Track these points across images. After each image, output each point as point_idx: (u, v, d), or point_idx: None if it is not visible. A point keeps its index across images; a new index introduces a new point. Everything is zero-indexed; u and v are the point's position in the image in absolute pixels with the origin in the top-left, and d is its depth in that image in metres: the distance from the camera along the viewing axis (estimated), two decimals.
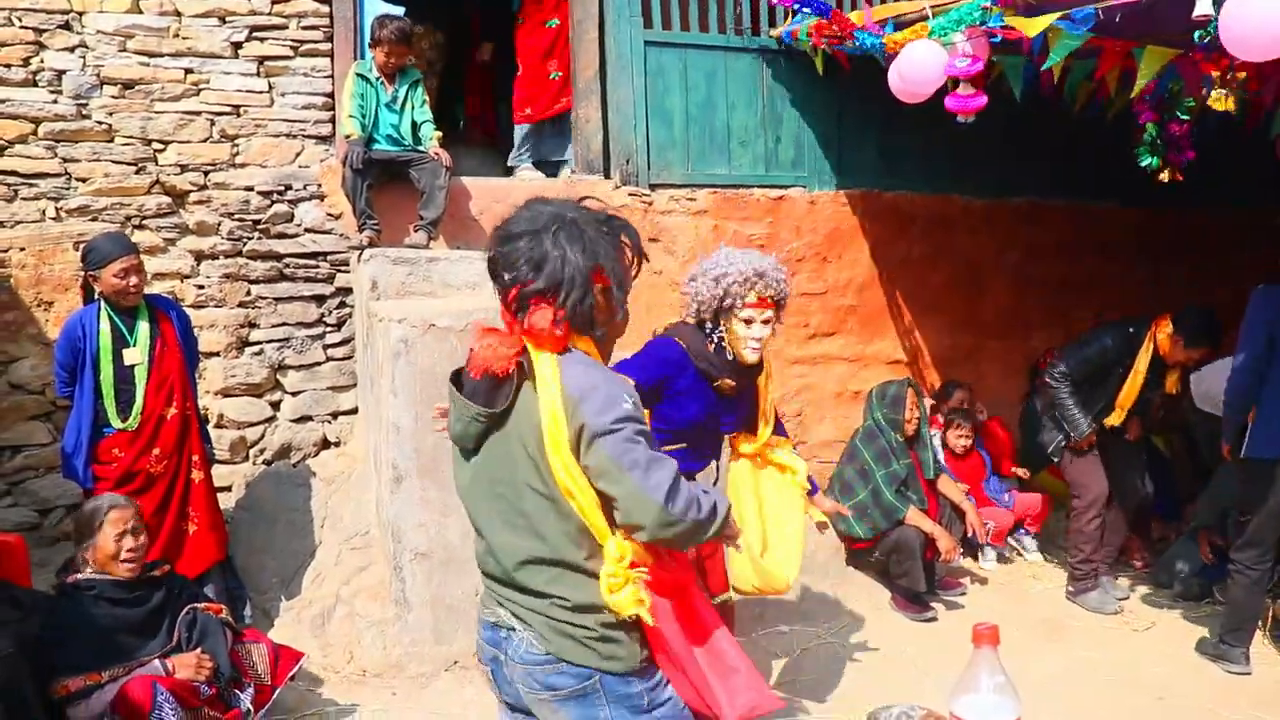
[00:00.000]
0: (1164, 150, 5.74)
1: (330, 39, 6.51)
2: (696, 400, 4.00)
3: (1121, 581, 6.46)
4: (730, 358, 4.03)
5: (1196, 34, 4.11)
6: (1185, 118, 5.53)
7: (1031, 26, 4.81)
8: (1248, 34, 3.81)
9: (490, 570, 2.57)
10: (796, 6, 6.81)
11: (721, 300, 3.96)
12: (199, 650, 4.14)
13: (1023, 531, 7.14)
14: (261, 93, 6.40)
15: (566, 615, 2.45)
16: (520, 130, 7.27)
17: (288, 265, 6.45)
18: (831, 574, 6.22)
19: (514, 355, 2.42)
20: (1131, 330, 6.04)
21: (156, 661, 4.03)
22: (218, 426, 6.27)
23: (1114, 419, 6.09)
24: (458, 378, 2.59)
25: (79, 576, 4.13)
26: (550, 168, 7.28)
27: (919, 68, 5.42)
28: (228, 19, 6.31)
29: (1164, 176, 5.87)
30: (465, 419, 2.51)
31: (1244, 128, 5.63)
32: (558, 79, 7.10)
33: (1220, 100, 4.65)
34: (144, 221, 6.19)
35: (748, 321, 3.96)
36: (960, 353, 8.06)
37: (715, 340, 4.03)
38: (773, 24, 7.31)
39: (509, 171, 7.29)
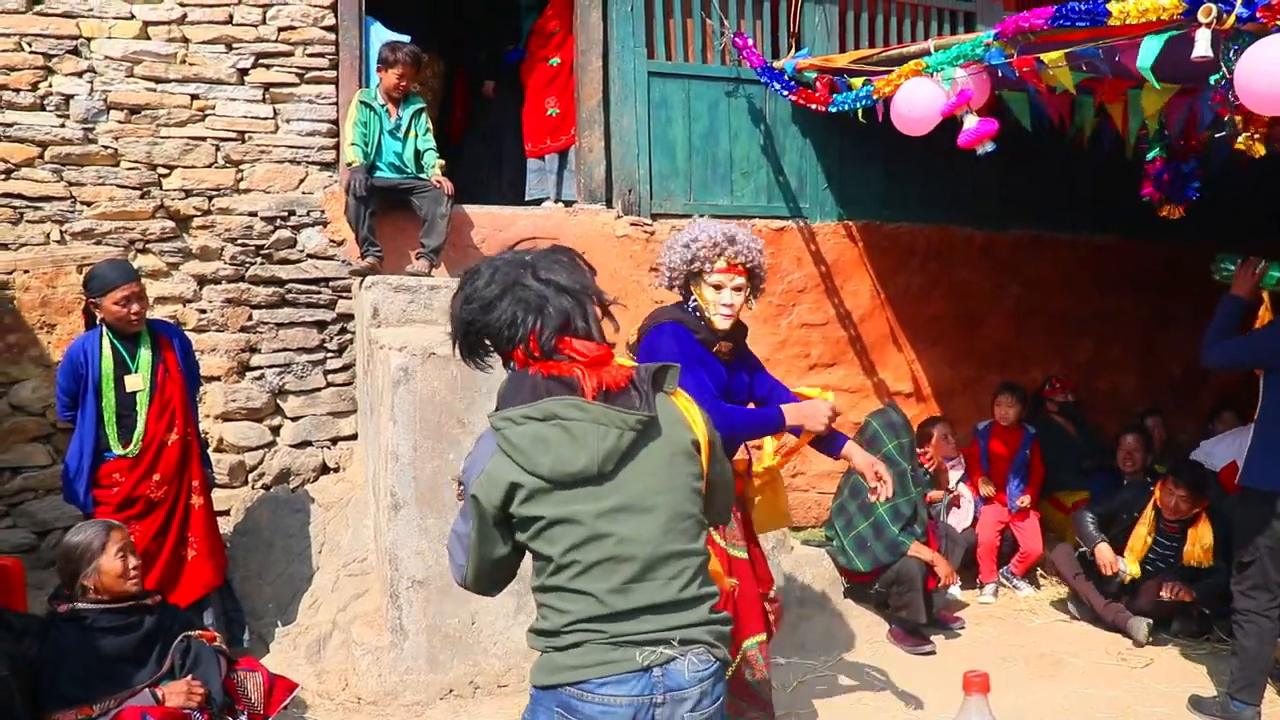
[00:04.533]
0: (1168, 187, 5.77)
1: (335, 66, 6.55)
2: (714, 372, 3.96)
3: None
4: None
5: (1212, 79, 4.12)
6: (1163, 153, 5.61)
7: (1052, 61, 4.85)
8: (1263, 89, 3.83)
9: (640, 601, 2.38)
10: (767, 81, 6.96)
11: (690, 264, 3.97)
12: (190, 677, 4.14)
13: (1010, 573, 7.15)
14: (266, 119, 6.44)
15: (717, 614, 2.49)
16: (531, 164, 7.35)
17: (290, 290, 6.48)
18: (829, 607, 6.21)
19: (624, 368, 2.48)
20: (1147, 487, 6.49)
21: (146, 691, 4.02)
22: (217, 450, 6.28)
23: (1131, 567, 6.26)
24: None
25: (70, 606, 4.13)
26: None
27: (915, 107, 5.47)
28: (234, 45, 6.35)
29: (1165, 212, 5.90)
30: (618, 432, 2.39)
31: (1241, 166, 5.66)
32: (555, 115, 7.17)
33: (1248, 144, 4.65)
34: (148, 245, 6.22)
35: (717, 287, 3.94)
36: (959, 384, 8.08)
37: (692, 309, 4.03)
38: (775, 56, 7.35)
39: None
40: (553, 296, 2.46)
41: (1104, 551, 6.27)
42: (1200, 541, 6.15)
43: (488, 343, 2.53)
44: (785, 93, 6.88)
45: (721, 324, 3.97)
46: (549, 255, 2.54)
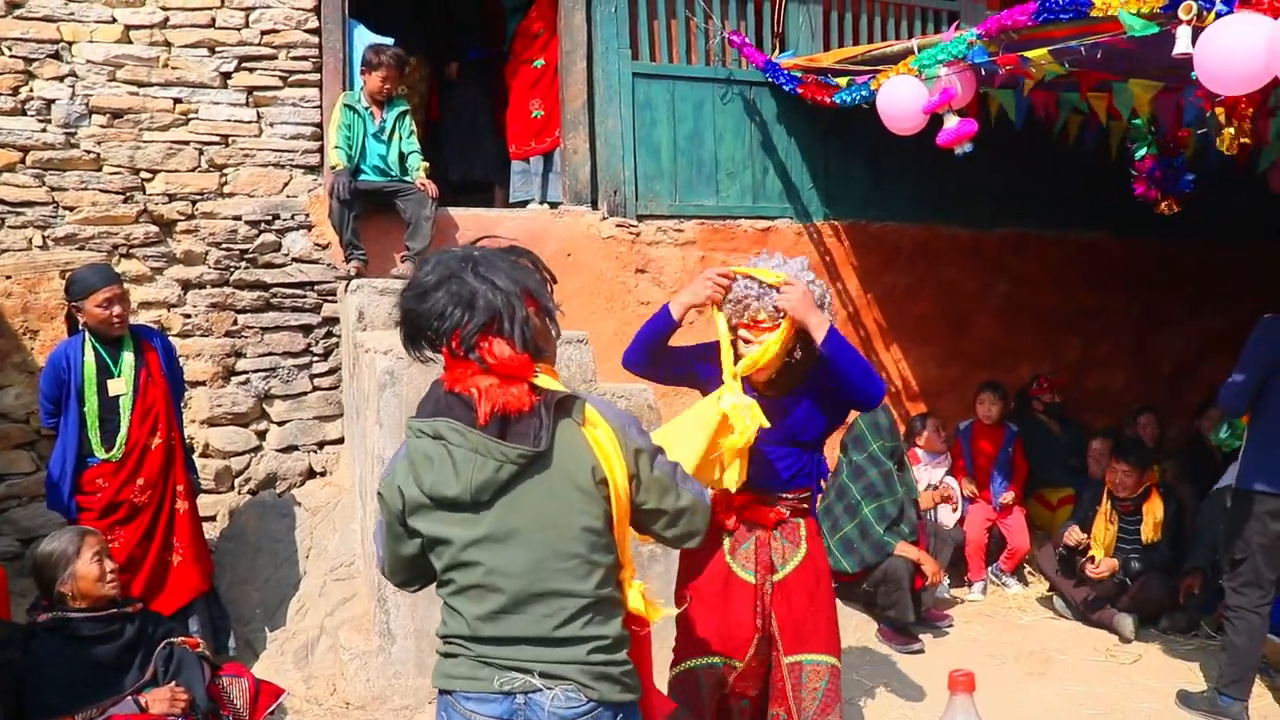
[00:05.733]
0: (1162, 183, 5.77)
1: (319, 69, 6.52)
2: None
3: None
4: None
5: (1193, 74, 4.12)
6: (1153, 150, 5.59)
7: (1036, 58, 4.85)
8: (1221, 68, 3.84)
9: (509, 631, 2.39)
10: (772, 77, 6.96)
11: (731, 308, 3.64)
12: (173, 684, 4.12)
13: (999, 569, 7.16)
14: (250, 123, 6.41)
15: (605, 655, 2.43)
16: (515, 166, 7.34)
17: (275, 295, 6.45)
18: None
19: (529, 391, 2.39)
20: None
21: (130, 699, 4.02)
22: (203, 456, 6.25)
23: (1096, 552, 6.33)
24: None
25: (51, 615, 4.11)
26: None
27: (900, 104, 5.47)
28: (217, 49, 6.32)
29: (1162, 208, 5.91)
30: (496, 464, 2.34)
31: (1237, 164, 5.67)
32: (539, 117, 7.16)
33: (1224, 141, 4.66)
34: (131, 250, 6.18)
35: (745, 341, 3.57)
36: (947, 383, 8.08)
37: None
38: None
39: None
40: (485, 293, 2.39)
41: (1071, 531, 6.39)
42: (1153, 515, 6.27)
43: (423, 333, 2.47)
44: (790, 87, 6.86)
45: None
46: (498, 254, 2.49)
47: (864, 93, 6.01)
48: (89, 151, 6.11)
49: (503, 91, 7.68)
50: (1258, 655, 5.07)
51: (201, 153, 6.33)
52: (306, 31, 6.47)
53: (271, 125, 6.46)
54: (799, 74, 6.85)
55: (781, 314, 3.48)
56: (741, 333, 3.60)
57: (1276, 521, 4.88)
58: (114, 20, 6.15)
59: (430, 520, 2.41)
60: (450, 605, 2.46)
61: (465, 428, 2.36)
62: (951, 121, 5.36)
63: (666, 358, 3.71)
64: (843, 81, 6.27)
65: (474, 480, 2.35)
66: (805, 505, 3.83)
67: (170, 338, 5.72)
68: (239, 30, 6.36)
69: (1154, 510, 6.30)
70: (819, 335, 3.42)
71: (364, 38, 6.61)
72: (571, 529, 2.40)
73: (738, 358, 3.55)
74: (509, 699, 2.38)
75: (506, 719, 2.39)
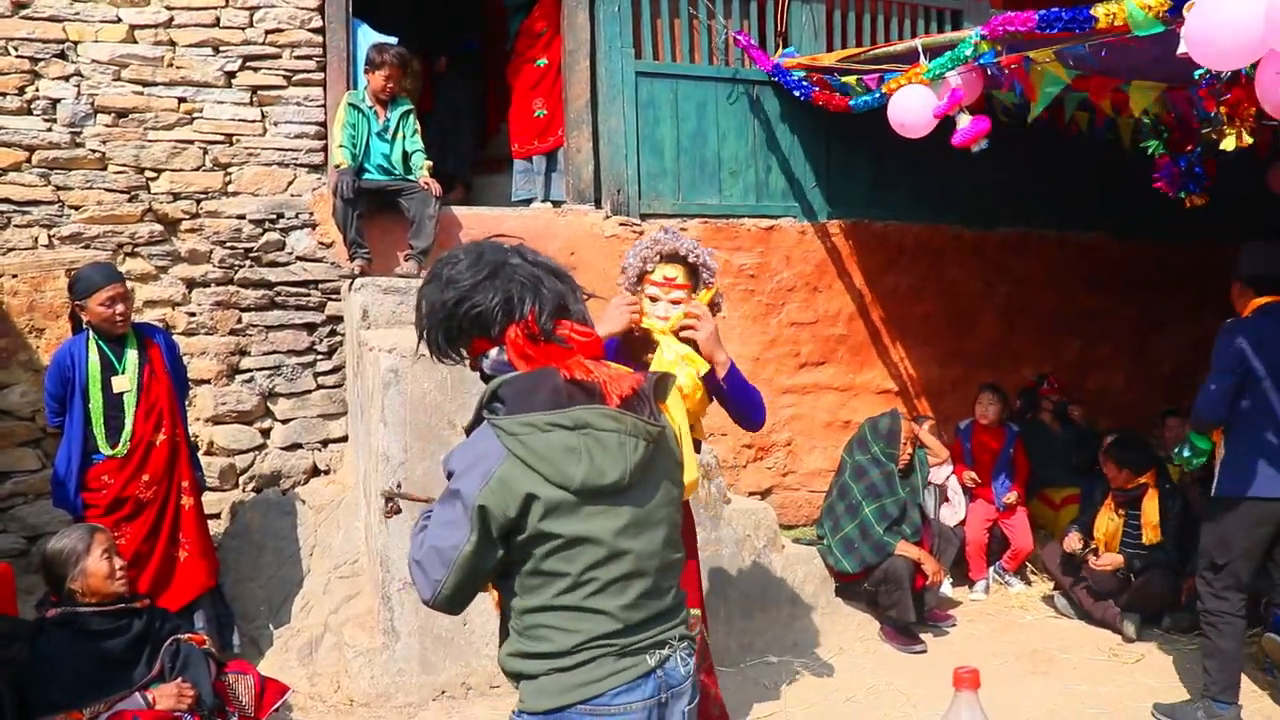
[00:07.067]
0: (1180, 180, 5.76)
1: (323, 69, 6.54)
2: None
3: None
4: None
5: (1196, 74, 4.12)
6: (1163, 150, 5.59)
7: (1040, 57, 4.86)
8: (1214, 40, 3.83)
9: (649, 612, 2.35)
10: (781, 81, 6.97)
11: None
12: (180, 680, 4.14)
13: (1002, 568, 7.16)
14: (254, 121, 6.42)
15: (689, 611, 2.52)
16: (518, 165, 7.34)
17: (279, 293, 6.47)
18: (820, 606, 6.21)
19: (634, 375, 2.40)
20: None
21: (137, 695, 4.03)
22: (208, 454, 6.27)
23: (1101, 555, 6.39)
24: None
25: (61, 610, 4.13)
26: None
27: (911, 112, 5.49)
28: (221, 49, 6.34)
29: (1188, 204, 5.90)
30: (645, 444, 2.32)
31: (1258, 153, 5.64)
32: (542, 117, 7.17)
33: (1229, 138, 4.66)
34: (136, 249, 6.20)
35: (652, 299, 4.08)
36: (949, 383, 8.08)
37: None
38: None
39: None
40: (545, 278, 2.39)
41: (1069, 539, 6.48)
42: (1149, 516, 6.29)
43: (467, 329, 2.40)
44: (799, 93, 6.86)
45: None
46: (525, 245, 2.48)
47: (878, 97, 6.02)
48: (94, 151, 6.13)
49: (492, 89, 7.66)
50: (1241, 656, 5.05)
51: (206, 152, 6.34)
52: (310, 31, 6.48)
53: (275, 124, 6.48)
54: (806, 78, 6.84)
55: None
56: (650, 289, 4.12)
57: (1260, 526, 4.86)
58: (119, 20, 6.17)
59: (573, 518, 2.24)
60: (587, 609, 2.27)
61: (615, 411, 2.29)
62: (964, 121, 5.38)
63: None
64: (851, 80, 6.27)
65: (631, 462, 2.29)
66: None
67: (175, 336, 5.73)
68: (243, 30, 6.37)
69: (1148, 511, 6.30)
70: (721, 371, 3.90)
71: (367, 37, 6.62)
72: (677, 500, 2.46)
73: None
74: (653, 676, 2.33)
75: (656, 696, 2.34)
